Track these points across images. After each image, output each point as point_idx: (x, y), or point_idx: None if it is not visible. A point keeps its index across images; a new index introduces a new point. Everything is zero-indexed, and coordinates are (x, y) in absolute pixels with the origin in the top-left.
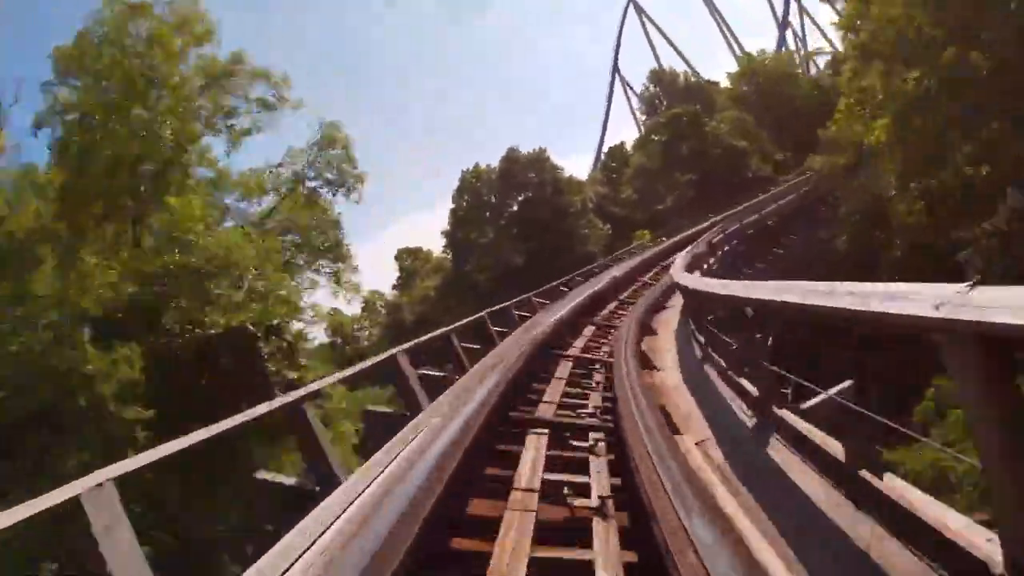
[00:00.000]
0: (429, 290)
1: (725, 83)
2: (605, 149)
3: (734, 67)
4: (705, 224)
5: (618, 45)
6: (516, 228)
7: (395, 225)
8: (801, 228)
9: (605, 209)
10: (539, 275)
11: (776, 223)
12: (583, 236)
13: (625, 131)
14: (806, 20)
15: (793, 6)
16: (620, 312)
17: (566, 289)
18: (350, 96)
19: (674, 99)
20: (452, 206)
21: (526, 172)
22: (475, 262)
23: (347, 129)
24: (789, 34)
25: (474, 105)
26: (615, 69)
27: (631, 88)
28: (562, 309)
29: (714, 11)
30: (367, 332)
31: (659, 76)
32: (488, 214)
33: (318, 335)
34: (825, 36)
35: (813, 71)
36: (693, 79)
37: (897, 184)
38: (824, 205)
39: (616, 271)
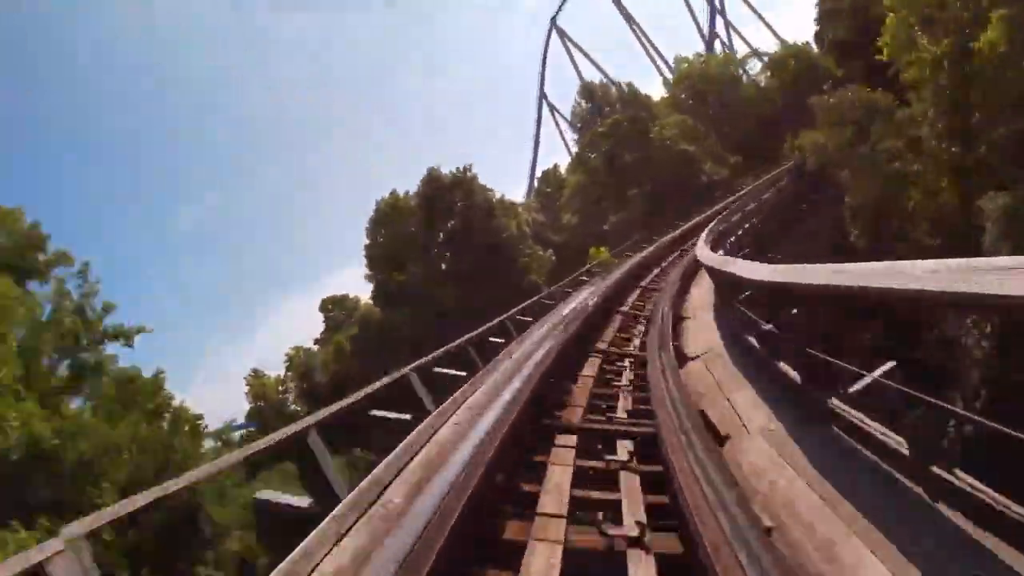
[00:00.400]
0: (343, 343)
1: (662, 94)
2: (539, 175)
3: (663, 91)
4: (676, 232)
5: (543, 70)
6: (445, 262)
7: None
8: (802, 223)
9: (543, 237)
10: (477, 313)
11: (767, 222)
12: (523, 264)
13: (556, 158)
14: (733, 35)
15: (719, 20)
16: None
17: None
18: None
19: (610, 112)
20: (367, 242)
21: (451, 195)
22: (400, 306)
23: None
24: (717, 46)
25: (400, 141)
26: (542, 95)
27: (559, 113)
28: (515, 375)
29: (637, 30)
30: (291, 395)
31: (590, 89)
32: (411, 249)
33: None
34: (752, 49)
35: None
36: (627, 89)
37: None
38: (817, 193)
39: (580, 299)
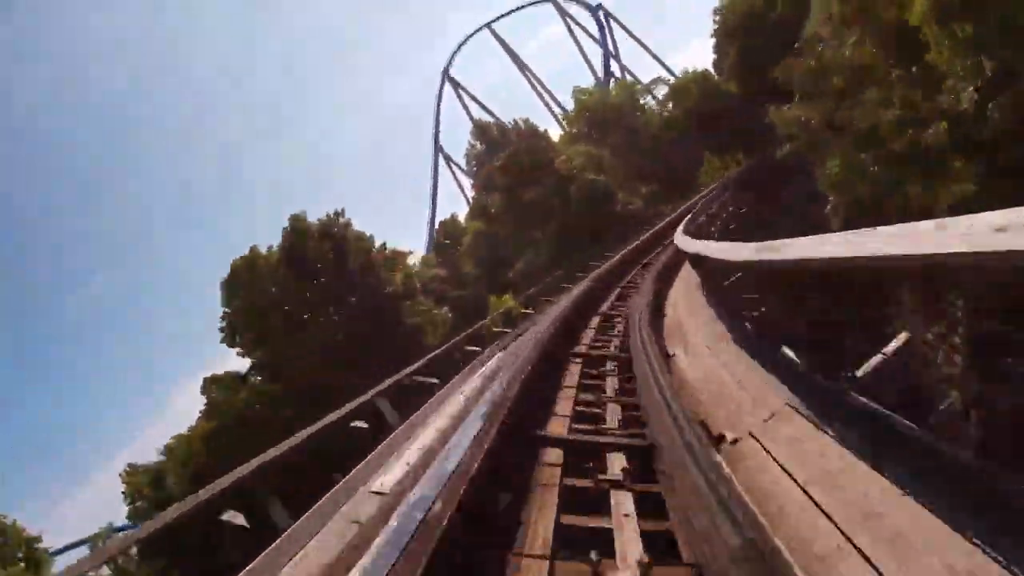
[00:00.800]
0: (195, 440)
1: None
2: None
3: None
4: (604, 267)
5: (437, 121)
6: (315, 327)
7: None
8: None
9: (444, 294)
10: (353, 391)
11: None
12: (415, 325)
13: (457, 211)
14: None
15: (614, 64)
16: None
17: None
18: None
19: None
20: (223, 310)
21: (320, 247)
22: (271, 382)
23: None
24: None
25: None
26: (437, 147)
27: (455, 164)
28: None
29: (532, 77)
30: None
31: (483, 128)
32: (275, 314)
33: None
34: (654, 77)
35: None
36: (524, 126)
37: None
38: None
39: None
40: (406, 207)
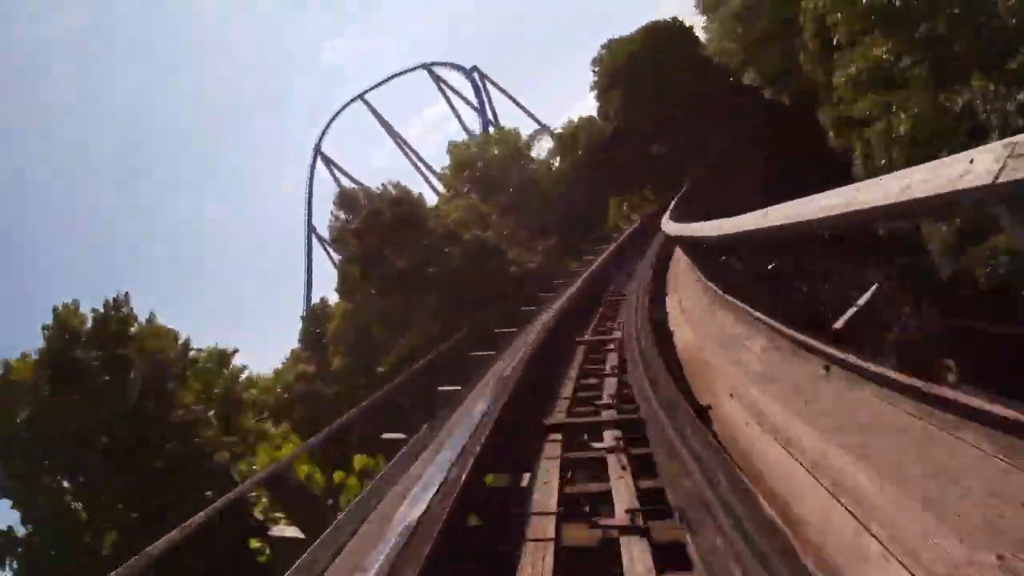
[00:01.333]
0: None
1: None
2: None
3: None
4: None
5: (309, 202)
6: (93, 468)
7: None
8: None
9: (312, 395)
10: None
11: None
12: (223, 459)
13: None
14: None
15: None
16: None
17: None
18: None
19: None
20: None
21: (89, 351)
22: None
23: None
24: None
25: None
26: (310, 229)
27: (329, 244)
28: None
29: (407, 148)
30: None
31: (351, 197)
32: (34, 447)
33: None
34: (540, 125)
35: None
36: (395, 190)
37: None
38: None
39: None
40: (290, 299)
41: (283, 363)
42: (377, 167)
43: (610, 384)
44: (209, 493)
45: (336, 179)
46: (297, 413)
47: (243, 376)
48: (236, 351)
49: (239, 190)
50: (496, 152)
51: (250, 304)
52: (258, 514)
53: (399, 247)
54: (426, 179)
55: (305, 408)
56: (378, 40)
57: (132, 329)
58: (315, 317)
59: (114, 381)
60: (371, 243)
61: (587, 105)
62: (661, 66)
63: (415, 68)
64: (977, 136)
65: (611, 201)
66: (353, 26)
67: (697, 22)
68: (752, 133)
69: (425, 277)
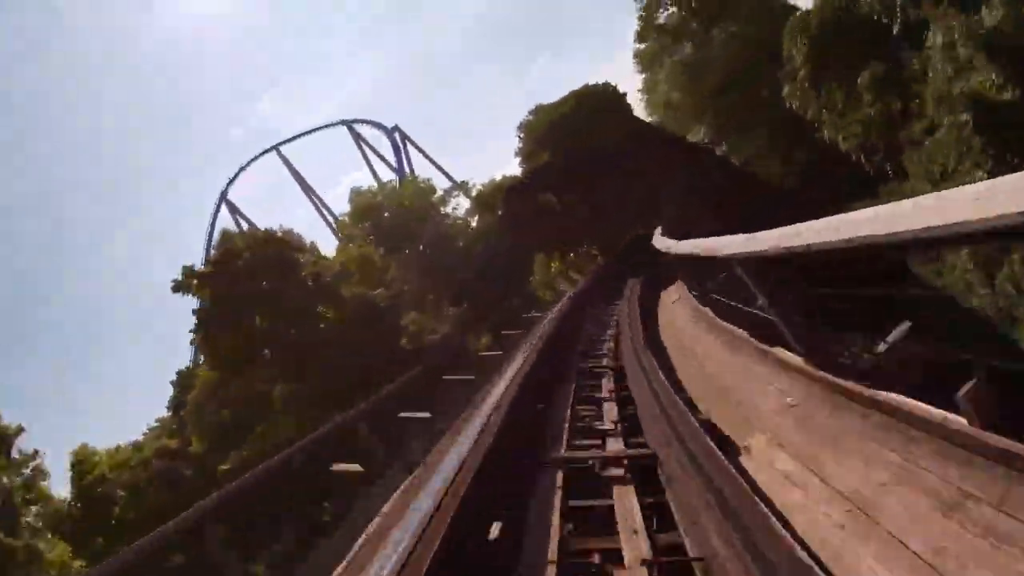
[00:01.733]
0: None
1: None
2: None
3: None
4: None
5: (209, 247)
6: None
7: None
8: None
9: (170, 474)
10: None
11: None
12: None
13: None
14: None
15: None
16: None
17: None
18: None
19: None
20: None
21: None
22: None
23: None
24: None
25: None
26: None
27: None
28: None
29: (320, 204)
30: None
31: (230, 238)
32: None
33: None
34: (456, 182)
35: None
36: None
37: None
38: None
39: None
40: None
41: (145, 433)
42: (298, 223)
43: None
44: None
45: (240, 227)
46: (153, 496)
47: (33, 464)
48: (21, 430)
49: (136, 240)
50: (406, 203)
51: (133, 362)
52: None
53: (254, 300)
54: (338, 237)
55: (163, 490)
56: (320, 98)
57: None
58: (184, 380)
59: None
60: (221, 293)
61: (510, 171)
62: (593, 127)
63: (335, 124)
64: None
65: (537, 259)
66: (291, 78)
67: (631, 86)
68: (700, 188)
69: (288, 344)
